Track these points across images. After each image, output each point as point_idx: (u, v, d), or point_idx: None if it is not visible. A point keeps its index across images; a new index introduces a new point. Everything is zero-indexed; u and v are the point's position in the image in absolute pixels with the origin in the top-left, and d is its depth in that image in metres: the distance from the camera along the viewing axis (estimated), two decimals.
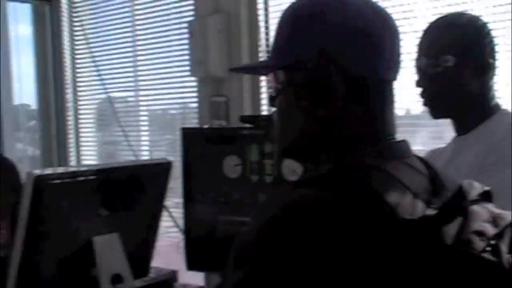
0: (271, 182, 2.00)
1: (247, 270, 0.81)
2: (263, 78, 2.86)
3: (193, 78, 2.99)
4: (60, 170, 1.95)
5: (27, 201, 1.64)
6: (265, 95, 2.87)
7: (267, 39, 2.84)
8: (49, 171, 1.78)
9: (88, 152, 3.67)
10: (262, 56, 2.85)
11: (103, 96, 3.49)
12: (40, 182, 1.65)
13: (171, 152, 3.29)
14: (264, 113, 2.85)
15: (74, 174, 1.77)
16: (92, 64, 3.47)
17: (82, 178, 1.77)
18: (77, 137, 3.67)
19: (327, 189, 0.84)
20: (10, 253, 2.41)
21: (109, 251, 1.82)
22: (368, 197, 0.82)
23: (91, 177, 1.79)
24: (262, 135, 2.02)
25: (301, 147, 0.97)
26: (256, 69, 1.27)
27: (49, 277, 1.75)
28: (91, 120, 3.68)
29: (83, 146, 3.67)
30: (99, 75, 3.39)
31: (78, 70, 3.63)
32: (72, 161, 3.61)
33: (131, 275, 1.85)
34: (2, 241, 2.53)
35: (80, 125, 3.68)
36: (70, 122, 3.65)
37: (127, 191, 1.90)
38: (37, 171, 1.69)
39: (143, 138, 3.39)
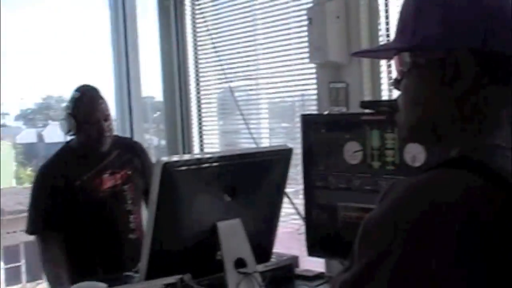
0: (392, 168, 1.97)
1: (374, 253, 0.81)
2: (383, 62, 2.81)
3: (312, 65, 3.00)
4: (186, 157, 2.04)
5: (156, 187, 1.75)
6: (385, 80, 2.81)
7: (387, 23, 2.78)
8: (176, 158, 1.87)
9: (210, 141, 3.80)
10: (382, 40, 2.79)
11: (224, 85, 3.59)
12: (168, 168, 1.75)
13: (290, 139, 3.33)
14: (385, 98, 2.80)
15: (199, 161, 1.85)
16: (214, 54, 3.57)
17: (206, 165, 1.85)
18: (200, 126, 3.82)
19: (463, 171, 0.82)
20: (141, 236, 2.58)
21: (232, 236, 1.89)
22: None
23: (215, 164, 1.86)
24: (383, 120, 1.99)
25: (428, 130, 0.95)
26: (380, 53, 1.25)
27: (178, 259, 1.85)
28: (213, 110, 3.81)
29: (205, 135, 3.81)
30: (220, 65, 3.48)
31: (200, 61, 3.76)
32: (196, 149, 3.75)
33: (254, 260, 1.90)
34: (134, 225, 2.69)
35: (203, 115, 3.81)
36: (193, 112, 3.80)
37: (249, 177, 1.96)
38: (165, 158, 1.79)
39: (262, 126, 3.45)
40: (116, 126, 3.67)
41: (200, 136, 3.82)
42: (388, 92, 2.82)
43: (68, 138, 2.71)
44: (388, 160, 1.98)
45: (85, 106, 2.58)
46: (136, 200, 2.71)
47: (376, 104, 2.24)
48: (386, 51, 1.10)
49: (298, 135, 3.19)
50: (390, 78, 2.80)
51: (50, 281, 2.61)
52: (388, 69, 2.81)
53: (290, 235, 3.03)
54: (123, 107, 3.75)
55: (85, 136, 2.60)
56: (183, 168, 1.79)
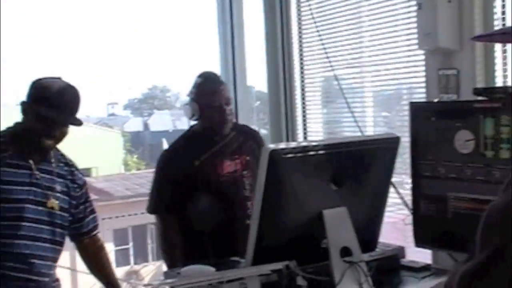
0: (507, 158, 1.90)
1: (498, 243, 0.79)
2: (497, 47, 2.69)
3: (419, 52, 2.93)
4: (293, 144, 2.06)
5: (263, 174, 1.79)
6: (499, 65, 2.70)
7: (503, 6, 2.66)
8: (282, 145, 1.90)
9: (313, 129, 3.81)
10: (497, 25, 2.67)
11: (328, 74, 3.58)
12: (274, 156, 1.78)
13: (390, 129, 3.27)
14: (499, 84, 2.68)
15: (305, 148, 1.88)
16: (318, 42, 3.56)
17: (312, 153, 1.87)
18: (304, 115, 3.83)
19: None
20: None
21: (338, 224, 1.89)
22: None
23: (321, 152, 1.88)
24: (498, 108, 1.92)
25: None
26: (496, 37, 1.20)
27: (283, 246, 1.87)
28: (317, 98, 3.81)
29: (309, 123, 3.82)
30: (324, 53, 3.46)
31: (304, 49, 3.76)
32: (300, 138, 3.77)
33: (359, 249, 1.90)
34: (251, 211, 2.73)
35: (307, 103, 3.82)
36: (297, 101, 3.81)
37: (355, 166, 1.95)
38: (272, 146, 1.83)
39: (367, 114, 3.40)
40: None
41: (304, 125, 3.83)
42: (502, 79, 2.70)
43: (192, 122, 2.82)
44: (503, 148, 1.90)
45: (207, 91, 2.69)
46: (254, 187, 2.76)
47: (490, 91, 2.16)
48: (503, 35, 1.06)
49: (399, 123, 3.16)
50: (504, 64, 2.68)
51: (167, 261, 2.74)
52: (503, 55, 2.69)
53: (392, 225, 2.98)
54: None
55: (207, 120, 2.70)
56: (290, 155, 1.81)
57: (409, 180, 2.28)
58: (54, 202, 2.25)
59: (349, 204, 1.92)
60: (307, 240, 1.90)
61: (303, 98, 3.83)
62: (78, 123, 2.23)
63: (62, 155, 2.37)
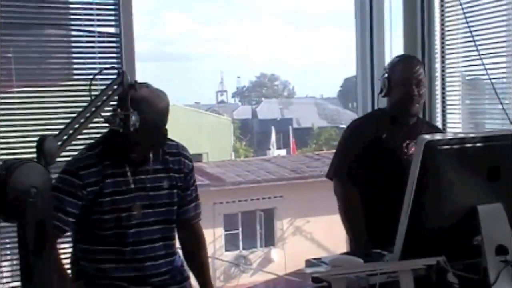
0: None
1: None
2: None
3: None
4: (449, 136, 2.06)
5: (417, 165, 1.80)
6: None
7: None
8: (438, 136, 1.91)
9: (453, 121, 3.75)
10: None
11: (472, 63, 3.51)
12: (430, 147, 1.80)
13: None
14: None
15: (462, 140, 1.87)
16: (463, 29, 3.50)
17: (469, 145, 1.86)
18: (444, 105, 3.78)
19: None
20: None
21: (493, 220, 1.87)
22: None
23: (478, 144, 1.87)
24: None
25: None
26: None
27: (433, 240, 1.89)
28: (457, 88, 3.74)
29: (449, 114, 3.77)
30: (471, 41, 3.38)
31: (447, 37, 3.71)
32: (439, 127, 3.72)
33: None
34: None
35: (447, 93, 3.77)
36: (437, 91, 3.77)
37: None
38: (427, 137, 1.84)
39: None
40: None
41: (443, 116, 3.78)
42: None
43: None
44: None
45: (400, 69, 2.80)
46: None
47: None
48: None
49: None
50: None
51: (347, 227, 2.83)
52: None
53: None
54: (365, 87, 3.88)
55: (395, 98, 2.82)
56: (446, 147, 1.82)
57: None
58: (137, 208, 2.25)
59: (504, 200, 1.89)
60: (458, 235, 1.90)
61: (443, 88, 3.78)
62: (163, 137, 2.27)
63: (168, 145, 2.35)
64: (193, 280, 2.51)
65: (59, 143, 1.54)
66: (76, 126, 1.64)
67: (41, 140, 1.48)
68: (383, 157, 2.77)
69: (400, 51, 3.84)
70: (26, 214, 1.41)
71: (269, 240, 15.21)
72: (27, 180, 1.43)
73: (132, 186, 2.25)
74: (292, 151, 23.35)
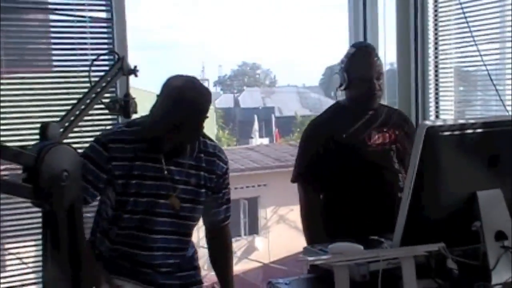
0: None
1: None
2: None
3: None
4: (450, 121, 2.08)
5: (417, 151, 1.82)
6: None
7: None
8: (439, 122, 1.94)
9: (447, 108, 3.79)
10: None
11: (466, 49, 3.53)
12: (431, 132, 1.82)
13: None
14: None
15: (463, 126, 1.89)
16: (458, 15, 3.52)
17: (470, 131, 1.89)
18: (437, 92, 3.79)
19: None
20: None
21: (493, 206, 1.91)
22: None
23: (479, 130, 1.90)
24: None
25: None
26: None
27: (432, 227, 1.91)
28: (450, 75, 3.77)
29: (442, 101, 3.79)
30: (465, 27, 3.38)
31: (440, 23, 3.74)
32: (431, 117, 3.77)
33: None
34: (402, 184, 2.71)
35: (441, 80, 3.79)
36: (430, 77, 3.78)
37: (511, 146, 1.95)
38: (429, 122, 1.86)
39: (508, 93, 3.32)
40: None
41: (436, 103, 3.80)
42: None
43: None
44: None
45: (359, 63, 2.76)
46: (404, 162, 2.79)
47: None
48: None
49: None
50: None
51: (306, 232, 2.83)
52: None
53: None
54: None
55: (355, 92, 2.78)
56: (447, 133, 1.84)
57: None
58: (175, 200, 2.27)
59: (504, 186, 1.93)
60: (457, 221, 1.93)
61: (436, 75, 3.80)
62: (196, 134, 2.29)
63: (205, 143, 2.37)
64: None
65: (61, 129, 1.54)
66: (77, 112, 1.65)
67: (44, 126, 1.47)
68: (346, 154, 2.75)
69: (393, 38, 3.86)
70: (58, 199, 1.39)
71: (253, 228, 15.27)
72: (59, 164, 1.41)
73: (162, 174, 2.25)
74: (276, 140, 23.33)
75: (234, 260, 2.67)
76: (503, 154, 1.93)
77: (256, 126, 24.44)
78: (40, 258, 1.45)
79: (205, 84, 2.37)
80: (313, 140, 2.83)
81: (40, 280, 1.97)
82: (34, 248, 3.13)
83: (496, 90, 2.91)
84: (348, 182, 2.75)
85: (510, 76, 3.34)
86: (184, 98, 2.16)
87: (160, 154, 2.25)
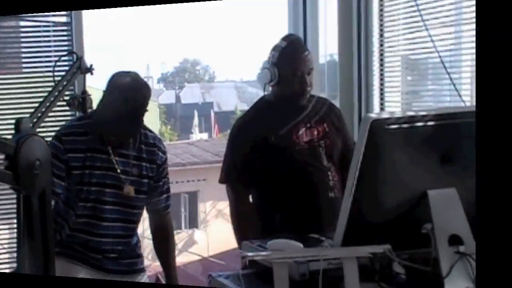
0: None
1: None
2: None
3: None
4: (397, 114, 1.96)
5: (361, 146, 1.69)
6: None
7: None
8: (386, 115, 1.79)
9: (393, 99, 3.66)
10: None
11: (411, 36, 3.40)
12: (376, 126, 1.68)
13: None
14: None
15: (413, 119, 1.76)
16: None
17: (420, 124, 1.76)
18: (382, 83, 3.66)
19: None
20: (340, 195, 2.55)
21: (446, 207, 1.77)
22: None
23: (430, 123, 1.76)
24: None
25: None
26: None
27: (378, 227, 1.79)
28: (397, 65, 3.62)
29: (388, 92, 3.66)
30: (414, 10, 3.19)
31: (386, 8, 3.56)
32: (376, 110, 3.63)
33: (472, 238, 1.76)
34: (332, 183, 2.68)
35: (386, 69, 3.67)
36: (374, 67, 3.66)
37: (468, 141, 1.80)
38: (374, 115, 1.74)
39: (464, 82, 3.17)
40: None
41: (381, 95, 3.68)
42: None
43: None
44: None
45: (290, 57, 2.64)
46: (334, 157, 2.72)
47: None
48: None
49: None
50: None
51: (236, 233, 2.75)
52: None
53: None
54: None
55: (285, 88, 2.67)
56: (394, 126, 1.72)
57: None
58: (130, 188, 2.49)
59: (459, 185, 1.79)
60: (406, 223, 1.81)
61: (381, 64, 3.67)
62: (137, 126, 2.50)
63: (146, 134, 2.56)
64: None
65: (31, 124, 1.75)
66: (43, 109, 1.91)
67: (18, 121, 1.68)
68: (274, 154, 2.66)
69: (335, 24, 3.72)
70: (31, 185, 1.60)
71: (193, 222, 15.66)
72: (33, 153, 1.60)
73: (109, 165, 2.48)
74: (216, 135, 23.89)
75: (176, 252, 2.82)
76: (457, 149, 1.79)
77: (196, 121, 25.11)
78: (14, 240, 1.73)
79: (149, 81, 2.45)
80: (239, 140, 2.75)
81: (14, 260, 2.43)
82: (8, 231, 3.54)
83: (451, 79, 2.74)
84: (277, 182, 2.67)
85: (467, 63, 3.18)
86: (125, 93, 2.41)
87: (107, 146, 2.47)
